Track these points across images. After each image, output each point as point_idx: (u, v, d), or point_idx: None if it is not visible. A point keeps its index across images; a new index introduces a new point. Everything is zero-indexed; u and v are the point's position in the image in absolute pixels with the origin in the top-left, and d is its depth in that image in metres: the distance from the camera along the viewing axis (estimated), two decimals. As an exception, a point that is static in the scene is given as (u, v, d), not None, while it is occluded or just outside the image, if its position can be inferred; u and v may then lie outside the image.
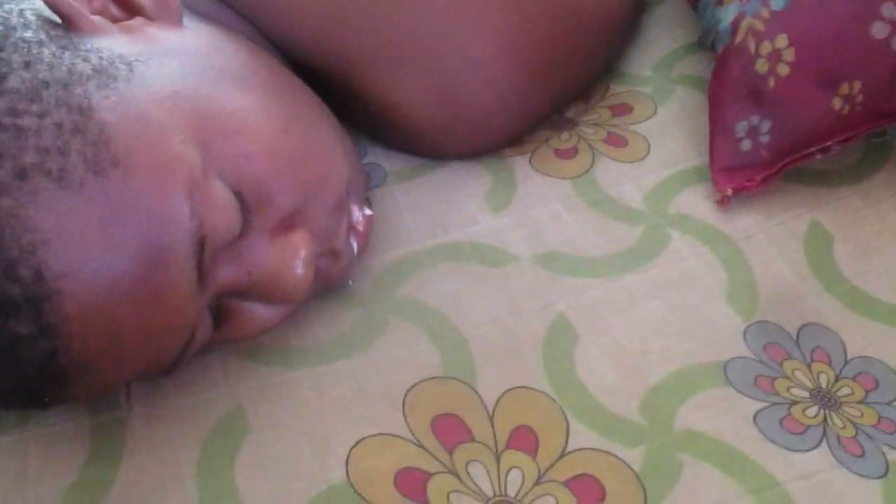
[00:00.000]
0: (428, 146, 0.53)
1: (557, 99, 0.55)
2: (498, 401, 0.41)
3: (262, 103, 0.41)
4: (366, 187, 0.49)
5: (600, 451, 0.39)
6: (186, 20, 0.44)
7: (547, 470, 0.38)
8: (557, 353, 0.43)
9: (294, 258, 0.40)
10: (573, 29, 0.52)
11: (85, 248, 0.32)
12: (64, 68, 0.35)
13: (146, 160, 0.35)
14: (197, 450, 0.39)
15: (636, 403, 0.41)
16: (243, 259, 0.40)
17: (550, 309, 0.45)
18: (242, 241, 0.39)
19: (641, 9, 0.63)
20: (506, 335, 0.44)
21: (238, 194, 0.38)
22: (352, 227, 0.45)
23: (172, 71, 0.39)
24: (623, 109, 0.57)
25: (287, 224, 0.41)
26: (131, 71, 0.37)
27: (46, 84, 0.34)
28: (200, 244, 0.36)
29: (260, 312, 0.42)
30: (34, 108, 0.33)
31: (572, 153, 0.54)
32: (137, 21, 0.41)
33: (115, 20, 0.41)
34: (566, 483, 0.38)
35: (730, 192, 0.49)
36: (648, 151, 0.53)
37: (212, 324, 0.41)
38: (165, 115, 0.37)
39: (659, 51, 0.61)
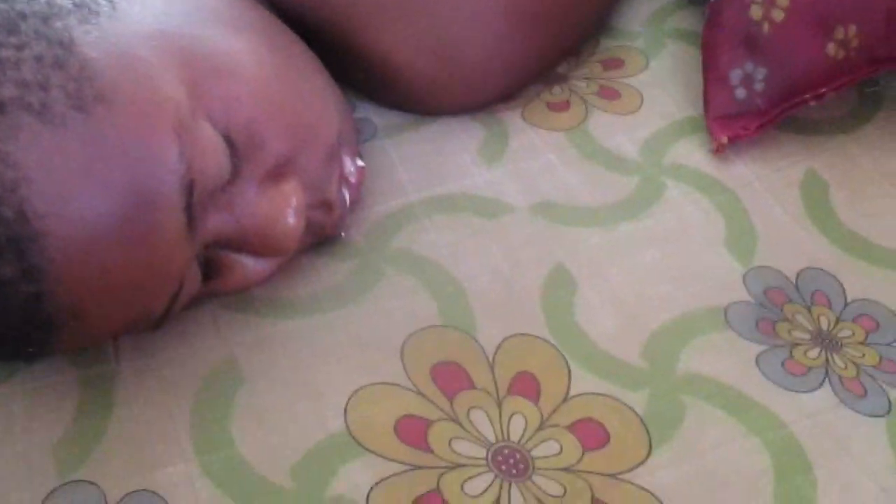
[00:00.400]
0: (420, 102, 0.52)
1: (550, 55, 0.54)
2: (498, 348, 0.40)
3: (252, 47, 0.40)
4: (358, 141, 0.48)
5: (603, 395, 0.38)
6: None
7: (550, 415, 0.38)
8: (557, 300, 0.42)
9: (285, 207, 0.39)
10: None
11: (69, 186, 0.31)
12: (43, 1, 0.34)
13: (131, 97, 0.33)
14: (190, 401, 0.38)
15: (637, 348, 0.40)
16: (233, 207, 0.38)
17: (548, 258, 0.44)
18: (232, 189, 0.38)
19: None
20: (504, 285, 0.43)
21: (227, 138, 0.37)
22: (344, 179, 0.44)
23: (158, 9, 0.38)
24: (615, 64, 0.56)
25: (278, 173, 0.40)
26: (114, 8, 0.36)
27: (24, 16, 0.32)
28: (189, 187, 0.35)
29: (250, 264, 0.41)
30: (12, 39, 0.32)
31: (565, 106, 0.53)
32: None
33: None
34: (569, 427, 0.37)
35: (725, 140, 0.48)
36: (642, 104, 0.53)
37: (201, 276, 0.39)
38: (151, 53, 0.35)
39: (649, 6, 0.60)
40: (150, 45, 0.35)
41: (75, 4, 0.34)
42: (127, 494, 0.35)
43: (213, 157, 0.36)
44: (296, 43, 0.45)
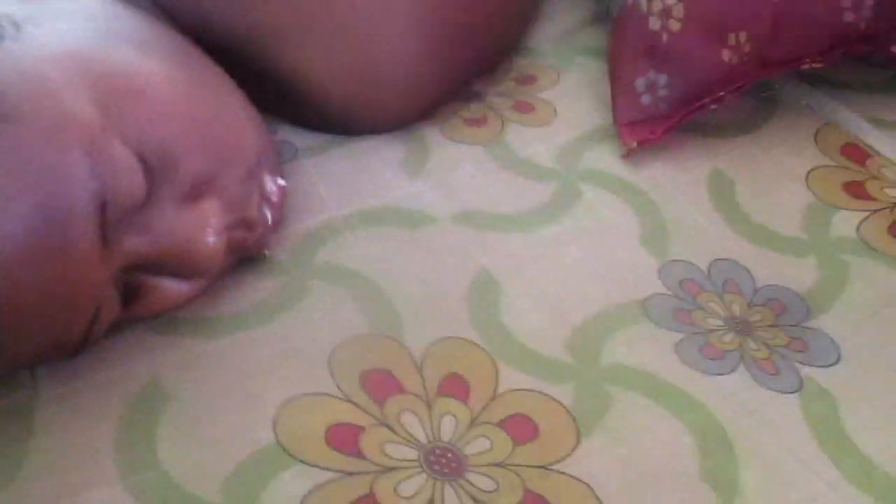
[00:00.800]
0: (340, 122, 0.52)
1: (466, 73, 0.56)
2: (426, 352, 0.40)
3: (164, 69, 0.40)
4: (279, 161, 0.49)
5: (531, 390, 0.39)
6: None
7: (480, 413, 0.38)
8: (482, 302, 0.43)
9: (204, 227, 0.39)
10: (478, 6, 0.53)
11: None
12: None
13: (38, 115, 0.33)
14: (113, 424, 0.37)
15: (562, 344, 0.41)
16: (151, 228, 0.38)
17: (472, 263, 0.45)
18: (150, 210, 0.38)
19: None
20: (429, 291, 0.43)
21: (142, 158, 0.37)
22: (265, 198, 0.44)
23: (66, 33, 0.38)
24: (528, 80, 0.58)
25: (196, 193, 0.40)
26: (18, 30, 0.36)
27: None
28: (102, 206, 0.34)
29: (171, 287, 0.41)
30: None
31: (482, 121, 0.54)
32: None
33: None
34: (500, 423, 0.38)
35: (634, 144, 0.50)
36: (555, 115, 0.55)
37: (121, 300, 0.39)
38: (59, 74, 0.35)
39: (559, 26, 0.63)
40: (58, 66, 0.35)
41: None
42: (49, 523, 0.34)
43: (127, 177, 0.36)
44: (210, 66, 0.45)
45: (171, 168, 0.38)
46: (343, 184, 0.50)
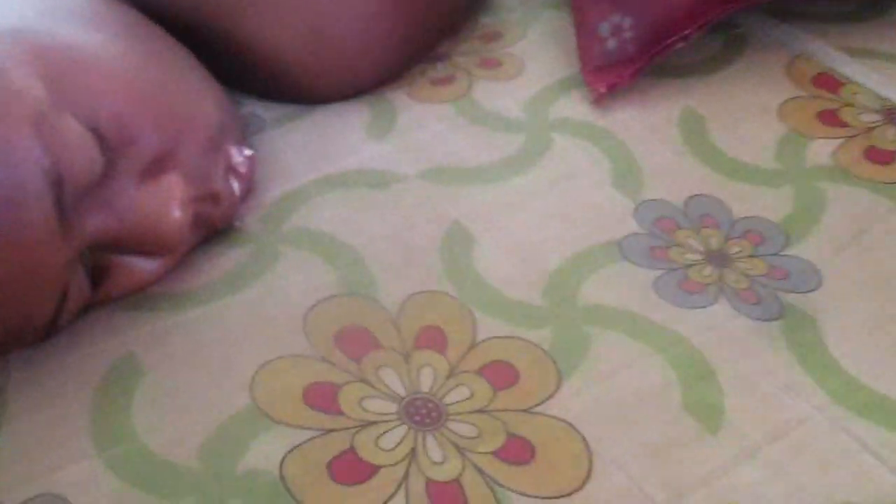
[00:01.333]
0: (302, 90, 0.52)
1: (428, 34, 0.55)
2: (401, 307, 0.40)
3: (113, 42, 0.39)
4: (245, 132, 0.48)
5: (509, 337, 0.39)
6: None
7: (458, 362, 0.38)
8: (455, 255, 0.42)
9: (167, 201, 0.38)
10: None
11: None
12: None
13: None
14: (88, 401, 0.37)
15: (538, 289, 0.41)
16: (112, 205, 0.37)
17: (444, 218, 0.44)
18: (109, 187, 0.37)
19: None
20: (402, 247, 0.43)
21: (96, 132, 0.36)
22: (233, 169, 0.43)
23: (10, 9, 0.37)
24: (493, 36, 0.57)
25: (156, 168, 0.39)
26: None
27: None
28: (57, 182, 0.34)
29: (140, 265, 0.40)
30: None
31: (449, 80, 0.54)
32: None
33: None
34: (479, 371, 0.37)
35: (603, 89, 0.50)
36: (523, 69, 0.54)
37: (89, 283, 0.38)
38: (4, 50, 0.34)
39: (522, -18, 0.62)
40: (3, 43, 0.35)
41: None
42: (26, 500, 0.33)
43: (81, 151, 0.35)
44: (163, 38, 0.44)
45: (127, 142, 0.38)
46: (310, 150, 0.49)
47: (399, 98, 0.53)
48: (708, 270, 0.41)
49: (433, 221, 0.44)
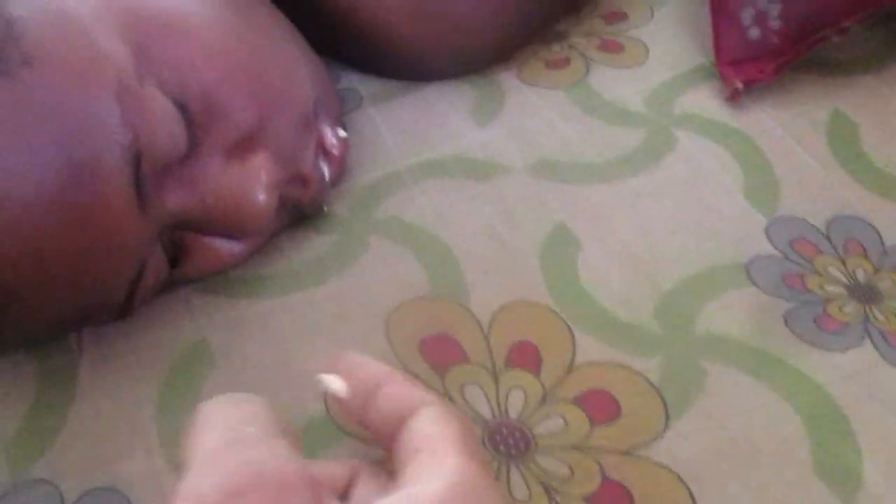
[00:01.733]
0: (408, 67, 0.48)
1: (547, 10, 0.51)
2: (493, 317, 0.36)
3: (210, 8, 0.37)
4: (340, 110, 0.45)
5: (612, 363, 0.34)
6: None
7: (553, 388, 0.34)
8: (558, 261, 0.38)
9: (254, 183, 0.36)
10: None
11: None
12: None
13: (65, 57, 0.30)
14: (156, 390, 0.35)
15: (649, 310, 0.36)
16: (196, 183, 0.35)
17: (548, 218, 0.40)
18: (193, 164, 0.35)
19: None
20: (499, 248, 0.39)
21: (182, 106, 0.34)
22: (324, 151, 0.40)
23: None
24: (617, 17, 0.52)
25: (246, 145, 0.36)
26: None
27: None
28: (136, 157, 0.31)
29: (222, 246, 0.38)
30: None
31: (564, 63, 0.49)
32: None
33: None
34: (575, 400, 0.33)
35: (740, 85, 0.44)
36: (648, 55, 0.49)
37: (167, 262, 0.36)
38: (91, 12, 0.32)
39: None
40: (90, 4, 0.32)
41: None
42: (85, 493, 0.32)
43: (164, 126, 0.33)
44: (262, 5, 0.41)
45: (215, 117, 0.35)
46: (410, 132, 0.46)
47: (508, 79, 0.48)
48: (851, 307, 0.36)
49: (536, 221, 0.40)
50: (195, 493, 0.20)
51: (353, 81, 0.50)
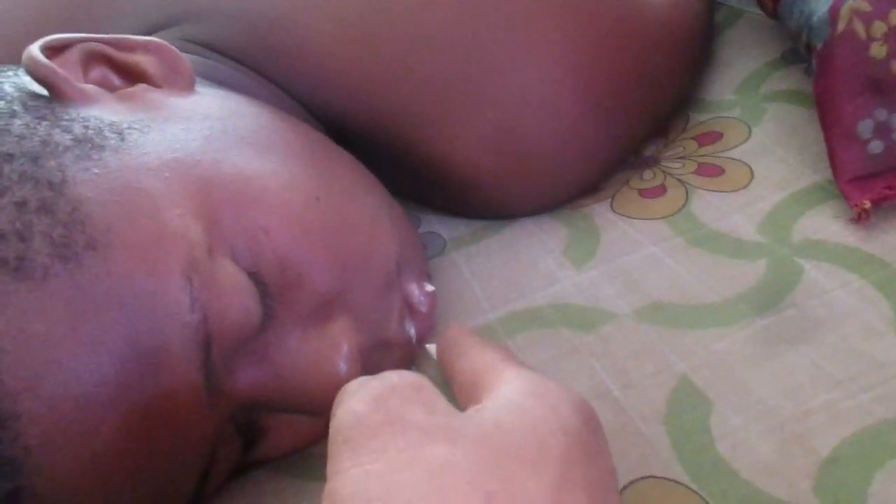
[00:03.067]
0: (489, 205, 0.45)
1: (632, 136, 0.47)
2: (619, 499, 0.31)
3: (286, 169, 0.34)
4: (425, 261, 0.42)
5: (772, 554, 0.28)
6: (199, 86, 0.38)
7: (702, 588, 0.28)
8: (688, 426, 0.33)
9: (334, 353, 0.32)
10: (644, 52, 0.45)
11: (50, 353, 0.25)
12: (37, 139, 0.29)
13: (131, 239, 0.28)
14: None
15: (808, 484, 0.30)
16: (270, 358, 0.32)
17: (669, 372, 0.35)
18: (268, 336, 0.32)
19: (712, 31, 0.56)
20: (617, 412, 0.34)
21: (256, 276, 0.31)
22: (411, 309, 0.37)
23: (174, 136, 0.33)
24: (711, 137, 0.48)
25: (324, 313, 0.33)
26: (122, 139, 0.31)
27: (10, 157, 0.28)
28: (206, 341, 0.28)
29: (301, 423, 0.34)
30: None
31: (660, 191, 0.45)
32: (139, 87, 0.35)
33: (115, 90, 0.35)
34: None
35: (868, 205, 0.39)
36: (752, 177, 0.44)
37: (241, 444, 0.33)
38: (160, 186, 0.30)
39: (739, 72, 0.53)
40: (161, 177, 0.30)
41: (76, 140, 0.30)
42: None
43: (238, 301, 0.30)
44: (342, 158, 0.39)
45: (292, 286, 0.32)
46: (498, 279, 0.42)
47: (602, 213, 0.45)
48: None
49: (655, 377, 0.35)
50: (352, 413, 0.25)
51: (435, 224, 0.47)
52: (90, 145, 0.30)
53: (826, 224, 0.40)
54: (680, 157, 0.47)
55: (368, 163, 0.42)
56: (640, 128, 0.48)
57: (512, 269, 0.43)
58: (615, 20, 0.43)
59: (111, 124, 0.32)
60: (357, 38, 0.40)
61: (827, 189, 0.42)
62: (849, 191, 0.40)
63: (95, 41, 0.35)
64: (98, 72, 0.35)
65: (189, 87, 0.37)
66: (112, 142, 0.31)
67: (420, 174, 0.44)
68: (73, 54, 0.34)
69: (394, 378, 0.26)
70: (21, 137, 0.29)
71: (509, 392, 0.26)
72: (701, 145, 0.48)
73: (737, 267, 0.39)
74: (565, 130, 0.42)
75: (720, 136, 0.48)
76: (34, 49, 0.33)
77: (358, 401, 0.25)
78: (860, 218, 0.39)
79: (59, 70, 0.33)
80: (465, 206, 0.46)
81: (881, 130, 0.40)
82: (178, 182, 0.30)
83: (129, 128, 0.32)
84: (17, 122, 0.30)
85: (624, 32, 0.44)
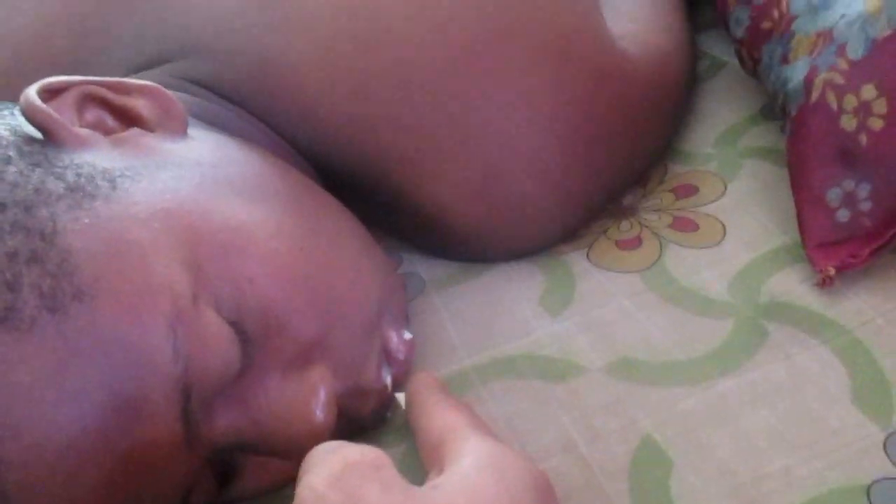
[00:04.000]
0: (471, 248, 0.46)
1: (613, 186, 0.49)
2: (580, 554, 0.32)
3: (273, 217, 0.35)
4: (405, 307, 0.43)
5: None
6: (192, 129, 0.39)
7: None
8: (648, 484, 0.34)
9: (311, 399, 0.33)
10: (627, 105, 0.46)
11: (34, 402, 0.26)
12: (30, 187, 0.30)
13: (118, 290, 0.29)
14: None
15: (760, 547, 0.31)
16: (248, 403, 0.33)
17: (634, 429, 0.36)
18: (247, 382, 0.33)
19: (694, 83, 0.58)
20: (582, 466, 0.35)
21: (237, 325, 0.32)
22: (388, 355, 0.38)
23: (165, 185, 0.34)
24: (687, 191, 0.50)
25: (303, 359, 0.34)
26: (114, 188, 0.32)
27: (3, 206, 0.29)
28: (186, 390, 0.29)
29: (274, 465, 0.35)
30: None
31: (636, 243, 0.47)
32: (133, 132, 0.36)
33: (109, 132, 0.36)
34: None
35: (832, 271, 0.41)
36: (724, 234, 0.46)
37: (216, 483, 0.33)
38: (149, 236, 0.31)
39: (718, 125, 0.55)
40: (150, 228, 0.31)
41: (69, 188, 0.31)
42: None
43: (218, 350, 0.31)
44: (328, 205, 0.40)
45: (272, 334, 0.33)
46: (475, 325, 0.43)
47: (578, 261, 0.46)
48: None
49: (621, 433, 0.36)
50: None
51: (415, 264, 0.49)
52: (82, 193, 0.31)
53: (792, 287, 0.42)
54: (656, 210, 0.49)
55: (353, 200, 0.43)
56: (620, 178, 0.49)
57: (489, 314, 0.44)
58: (600, 73, 0.45)
59: (104, 171, 0.33)
60: (347, 81, 0.41)
61: (795, 252, 0.44)
62: (815, 256, 0.42)
63: (93, 84, 0.36)
64: (93, 113, 0.36)
65: (182, 131, 0.38)
66: (104, 190, 0.32)
67: (404, 214, 0.45)
68: (70, 96, 0.35)
69: (354, 454, 0.27)
70: (14, 185, 0.30)
71: (466, 466, 0.27)
72: (678, 198, 0.50)
73: (705, 325, 0.41)
74: (547, 179, 0.43)
75: (696, 189, 0.50)
76: (31, 93, 0.33)
77: (318, 478, 0.26)
78: (824, 283, 0.41)
79: (56, 116, 0.34)
80: (446, 248, 0.47)
81: (848, 200, 0.42)
82: (167, 232, 0.31)
83: (121, 175, 0.33)
84: (12, 168, 0.30)
85: (609, 85, 0.45)
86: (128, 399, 0.28)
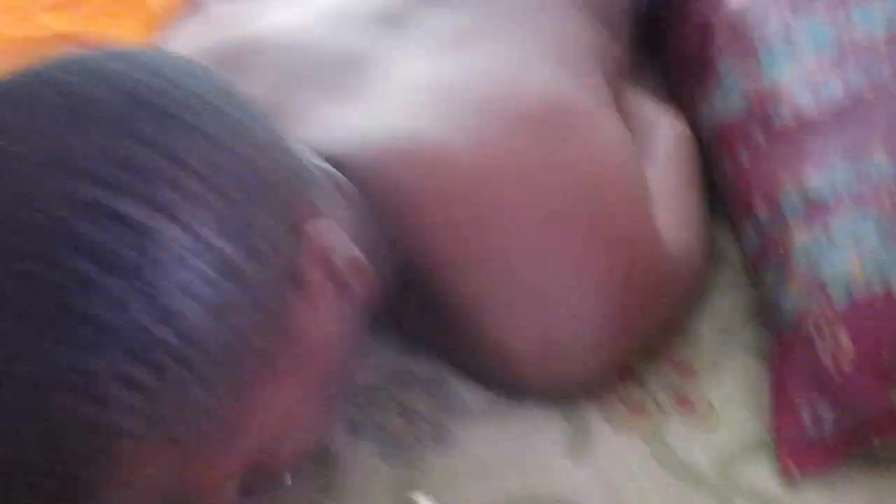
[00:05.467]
0: (513, 383, 0.55)
1: (638, 353, 0.58)
2: None
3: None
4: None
5: None
6: None
7: None
8: None
9: None
10: (661, 296, 0.56)
11: None
12: None
13: None
14: None
15: None
16: None
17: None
18: None
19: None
20: None
21: None
22: None
23: None
24: (688, 372, 0.59)
25: None
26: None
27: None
28: None
29: None
30: None
31: (643, 411, 0.56)
32: None
33: None
34: None
35: (797, 473, 0.51)
36: (717, 419, 0.56)
37: None
38: None
39: (722, 313, 0.63)
40: None
41: None
42: None
43: None
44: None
45: None
46: (500, 462, 0.52)
47: (594, 418, 0.56)
48: None
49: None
50: None
51: (459, 387, 0.57)
52: None
53: (764, 476, 0.52)
54: (662, 384, 0.59)
55: (411, 309, 0.52)
56: (643, 348, 0.59)
57: (519, 452, 0.53)
58: (646, 264, 0.55)
59: None
60: (459, 218, 0.51)
61: (770, 444, 0.54)
62: (783, 455, 0.52)
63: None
64: None
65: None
66: None
67: (463, 344, 0.54)
68: None
69: None
70: None
71: None
72: (679, 376, 0.59)
73: (690, 498, 0.51)
74: (592, 348, 0.53)
75: (695, 372, 0.60)
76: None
77: None
78: (789, 480, 0.52)
79: None
80: (491, 382, 0.56)
81: (817, 420, 0.52)
82: None
83: None
84: None
85: (650, 281, 0.55)
86: None
